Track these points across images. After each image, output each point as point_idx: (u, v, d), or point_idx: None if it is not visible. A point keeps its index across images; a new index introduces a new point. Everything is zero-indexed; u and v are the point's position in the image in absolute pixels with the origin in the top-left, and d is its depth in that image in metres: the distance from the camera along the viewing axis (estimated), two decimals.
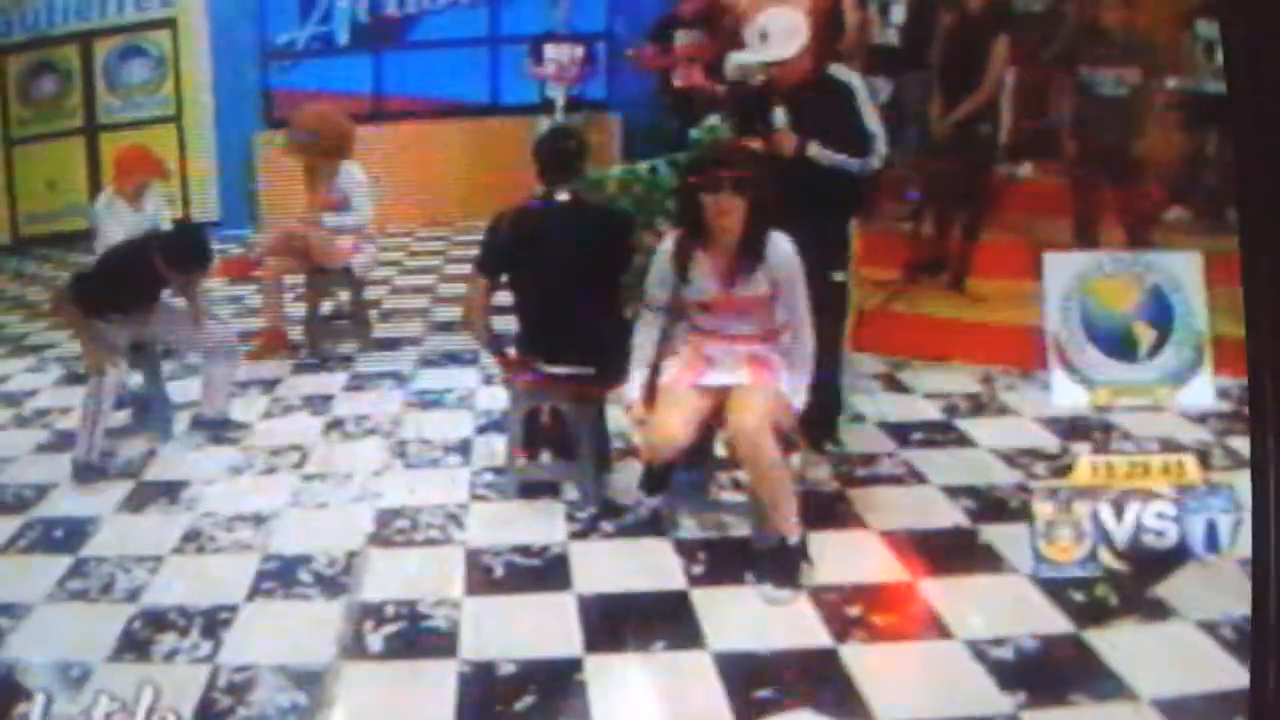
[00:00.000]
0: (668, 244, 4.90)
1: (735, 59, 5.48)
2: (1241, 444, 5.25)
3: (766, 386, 4.77)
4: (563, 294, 5.22)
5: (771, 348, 4.87)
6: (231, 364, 6.19)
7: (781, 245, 4.77)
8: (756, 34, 5.35)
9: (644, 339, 4.94)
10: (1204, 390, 4.61)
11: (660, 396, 4.86)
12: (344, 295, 7.32)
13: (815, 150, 5.22)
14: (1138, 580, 4.42)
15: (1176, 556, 4.30)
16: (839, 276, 5.37)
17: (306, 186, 7.08)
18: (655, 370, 4.91)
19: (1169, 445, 5.00)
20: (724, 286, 4.80)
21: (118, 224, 6.56)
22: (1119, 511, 4.26)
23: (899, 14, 7.85)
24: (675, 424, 4.79)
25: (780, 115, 5.31)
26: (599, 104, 8.59)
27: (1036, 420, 5.93)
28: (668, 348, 4.98)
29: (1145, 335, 4.63)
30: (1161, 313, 4.63)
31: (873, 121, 5.29)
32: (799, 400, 4.81)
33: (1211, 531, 4.22)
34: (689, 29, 8.05)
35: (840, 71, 5.37)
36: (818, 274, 5.12)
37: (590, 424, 5.39)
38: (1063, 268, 4.75)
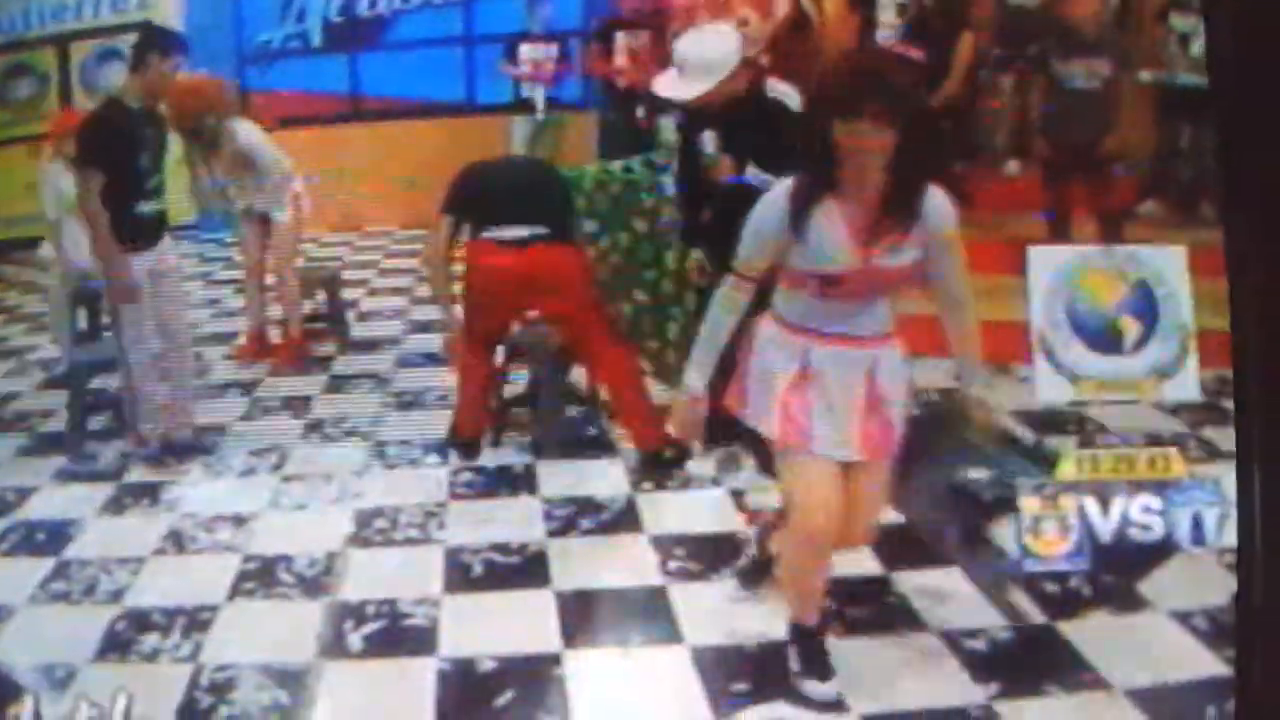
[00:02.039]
0: (780, 191, 3.70)
1: (655, 89, 5.27)
2: (1215, 435, 5.32)
3: (886, 466, 3.88)
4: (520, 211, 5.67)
5: (897, 348, 3.87)
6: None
7: (939, 200, 3.69)
8: (675, 63, 5.19)
9: (721, 315, 3.77)
10: (1189, 384, 4.63)
11: (797, 465, 3.81)
12: (321, 296, 7.34)
13: (753, 175, 5.02)
14: (1123, 575, 4.48)
15: (1162, 550, 4.34)
16: None
17: (197, 164, 6.88)
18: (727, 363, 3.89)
19: (1150, 438, 5.06)
20: (861, 249, 3.60)
21: (52, 189, 6.53)
22: (1104, 505, 4.29)
23: None
24: (833, 500, 3.79)
25: (709, 139, 5.14)
26: (575, 104, 8.59)
27: (1011, 414, 5.98)
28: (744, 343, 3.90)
29: (1130, 329, 4.64)
30: (1147, 307, 4.64)
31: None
32: (980, 384, 3.99)
33: (1198, 525, 4.24)
34: (631, 30, 8.08)
35: (777, 89, 5.13)
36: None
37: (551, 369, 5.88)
38: (1047, 262, 4.76)
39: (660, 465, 5.58)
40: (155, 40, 5.74)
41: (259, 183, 6.83)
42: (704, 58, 5.05)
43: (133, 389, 5.77)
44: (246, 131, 6.85)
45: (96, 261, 5.78)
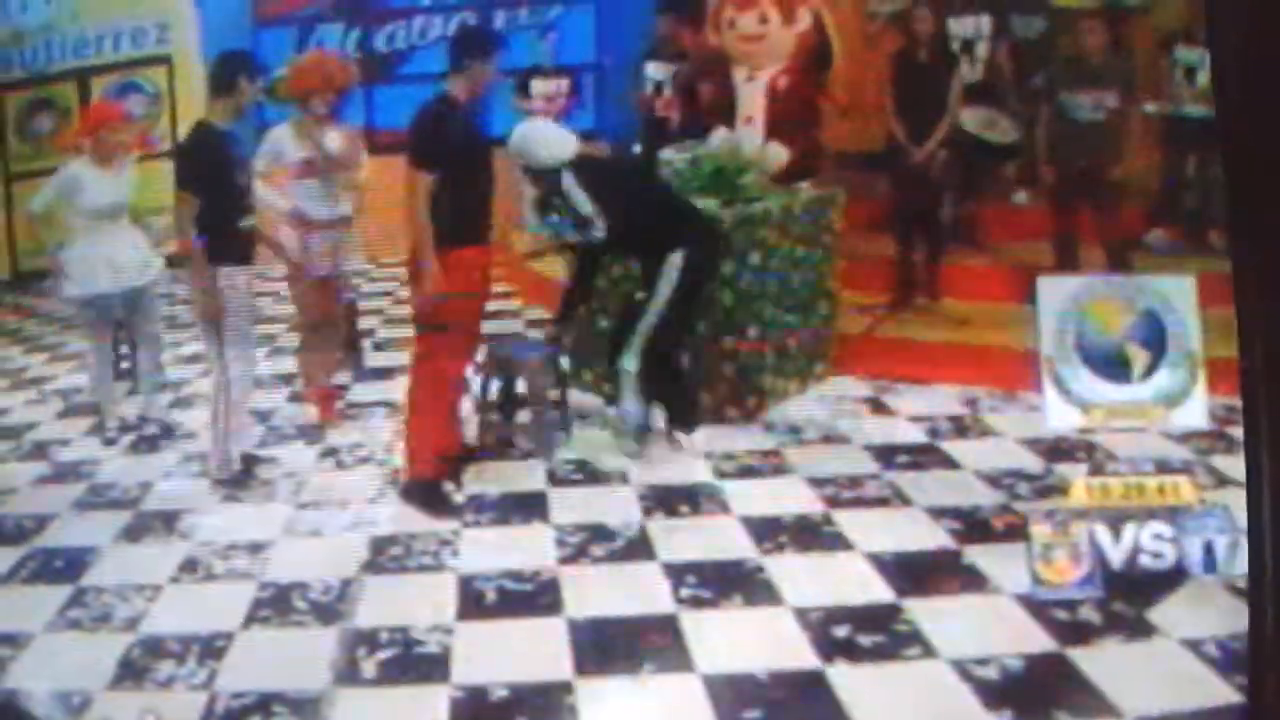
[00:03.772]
0: None
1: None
2: (1222, 462, 5.34)
3: None
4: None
5: None
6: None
7: None
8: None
9: None
10: (1197, 412, 4.63)
11: None
12: None
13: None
14: (1134, 602, 4.49)
15: (1173, 578, 4.34)
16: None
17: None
18: None
19: (1158, 466, 5.07)
20: None
21: (70, 191, 6.55)
22: (1116, 533, 4.29)
23: None
24: None
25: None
26: (588, 133, 8.66)
27: (1020, 441, 6.01)
28: None
29: (1139, 357, 4.65)
30: (1155, 335, 4.65)
31: (580, 204, 5.96)
32: None
33: (1209, 552, 4.24)
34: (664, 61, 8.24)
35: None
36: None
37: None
38: (1056, 290, 4.78)
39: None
40: (244, 65, 5.93)
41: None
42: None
43: (226, 409, 5.88)
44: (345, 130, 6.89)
45: (193, 282, 5.86)
